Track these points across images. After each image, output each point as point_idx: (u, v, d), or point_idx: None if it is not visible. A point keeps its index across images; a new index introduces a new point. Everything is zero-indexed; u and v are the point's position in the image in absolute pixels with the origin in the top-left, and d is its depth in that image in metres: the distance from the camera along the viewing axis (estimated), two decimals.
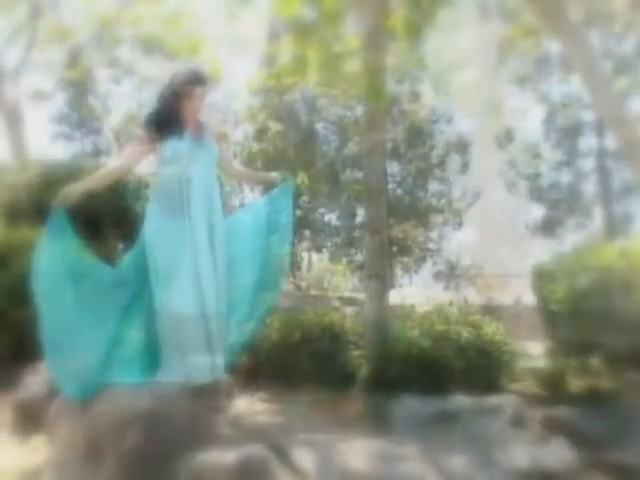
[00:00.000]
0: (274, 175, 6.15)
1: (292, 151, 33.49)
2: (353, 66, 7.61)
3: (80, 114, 40.27)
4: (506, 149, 39.17)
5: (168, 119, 5.14)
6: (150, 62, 19.10)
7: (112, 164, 5.61)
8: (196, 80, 5.26)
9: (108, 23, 17.71)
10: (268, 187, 5.79)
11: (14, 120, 18.02)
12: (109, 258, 11.16)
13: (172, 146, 5.10)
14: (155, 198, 5.29)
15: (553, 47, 20.20)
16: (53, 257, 5.25)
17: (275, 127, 28.66)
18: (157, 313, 5.13)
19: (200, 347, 5.06)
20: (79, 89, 36.19)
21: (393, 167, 39.81)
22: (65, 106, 40.18)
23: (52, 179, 10.57)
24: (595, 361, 6.51)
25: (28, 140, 18.36)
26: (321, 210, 37.12)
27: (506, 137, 39.15)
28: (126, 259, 5.70)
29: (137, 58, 19.15)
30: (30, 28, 18.26)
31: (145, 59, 18.92)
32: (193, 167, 5.12)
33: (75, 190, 5.30)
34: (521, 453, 4.90)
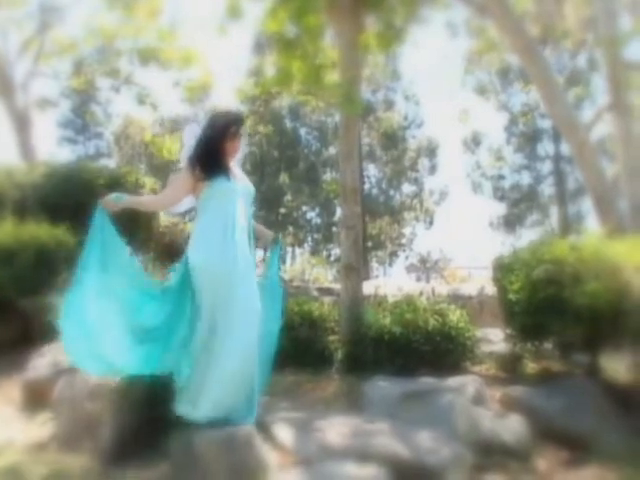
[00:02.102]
0: (268, 233, 5.65)
1: (277, 154, 33.49)
2: (332, 77, 7.63)
3: (84, 120, 40.31)
4: (473, 152, 39.38)
5: (215, 160, 4.88)
6: (147, 72, 19.08)
7: (157, 196, 5.43)
8: (238, 121, 5.08)
9: (109, 37, 17.71)
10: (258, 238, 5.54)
11: (23, 125, 18.00)
12: None
13: (221, 186, 4.83)
14: (202, 234, 4.88)
15: (513, 60, 20.19)
16: (93, 248, 4.89)
17: (262, 132, 28.61)
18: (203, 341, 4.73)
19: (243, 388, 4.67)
20: (83, 97, 36.19)
21: (369, 169, 39.88)
22: (70, 112, 40.24)
23: (57, 179, 10.56)
24: (548, 346, 6.56)
25: (36, 144, 18.33)
26: (303, 208, 37.16)
27: (473, 141, 39.34)
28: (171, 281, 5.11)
29: (135, 68, 19.12)
30: (38, 41, 18.27)
31: (142, 69, 18.89)
32: (238, 207, 4.87)
33: (118, 201, 4.95)
34: (482, 428, 4.93)
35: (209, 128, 5.01)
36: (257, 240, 5.35)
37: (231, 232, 4.73)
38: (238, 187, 4.94)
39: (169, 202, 5.11)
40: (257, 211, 34.60)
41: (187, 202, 5.10)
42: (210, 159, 4.86)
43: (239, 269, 4.68)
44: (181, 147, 5.32)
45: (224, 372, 4.53)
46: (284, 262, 35.03)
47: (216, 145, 4.91)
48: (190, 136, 5.13)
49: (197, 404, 4.55)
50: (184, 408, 4.62)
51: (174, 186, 5.00)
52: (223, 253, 4.67)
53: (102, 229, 4.90)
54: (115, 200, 4.92)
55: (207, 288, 4.72)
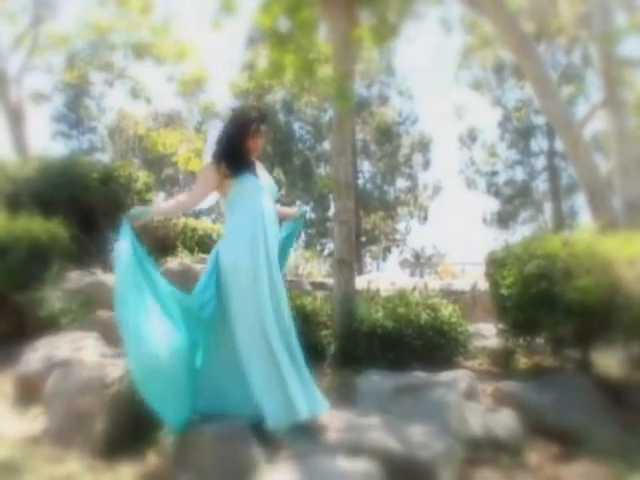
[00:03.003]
0: (293, 210, 5.80)
1: (271, 148, 33.47)
2: (325, 72, 7.62)
3: (77, 114, 40.25)
4: (468, 148, 39.44)
5: (240, 158, 4.91)
6: (140, 66, 19.08)
7: (182, 197, 5.07)
8: (261, 119, 5.08)
9: (102, 31, 17.69)
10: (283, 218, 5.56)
11: (17, 119, 18.00)
12: (103, 246, 11.22)
13: (249, 183, 4.87)
14: (232, 234, 4.87)
15: (508, 57, 20.22)
16: (127, 266, 4.58)
17: None
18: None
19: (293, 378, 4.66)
20: (76, 91, 36.14)
21: (363, 164, 39.88)
22: (63, 107, 40.18)
23: (50, 173, 10.57)
24: (540, 341, 6.57)
25: (30, 138, 18.33)
26: (297, 203, 37.14)
27: (469, 137, 39.39)
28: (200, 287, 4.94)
29: (129, 63, 19.10)
30: (32, 35, 18.24)
31: (136, 64, 18.88)
32: (265, 203, 4.88)
33: (143, 216, 4.88)
34: (474, 422, 4.94)
35: (230, 125, 5.02)
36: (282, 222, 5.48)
37: (261, 230, 4.77)
38: (263, 183, 4.99)
39: (195, 201, 5.09)
40: None
41: (211, 198, 5.13)
42: (235, 156, 4.89)
43: (265, 270, 4.70)
44: (206, 144, 5.31)
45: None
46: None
47: (238, 142, 4.93)
48: (215, 133, 5.13)
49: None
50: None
51: (200, 184, 4.96)
52: (253, 254, 4.69)
53: (131, 245, 4.67)
54: (140, 215, 4.85)
55: (237, 289, 4.70)
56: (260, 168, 5.15)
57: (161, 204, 5.60)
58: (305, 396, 4.61)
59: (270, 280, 4.74)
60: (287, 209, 5.75)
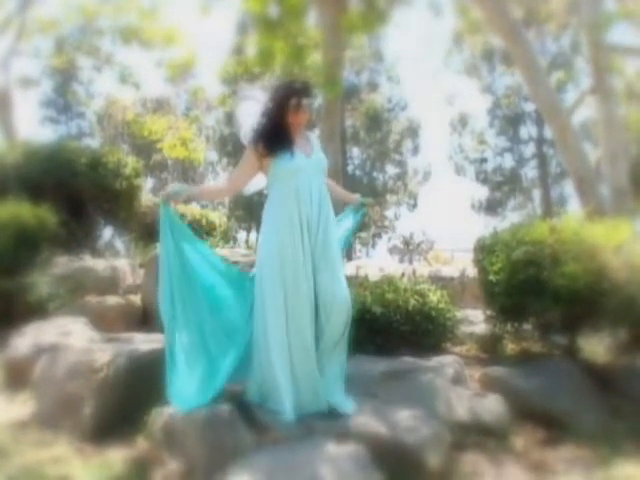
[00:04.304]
0: (356, 196, 5.66)
1: None
2: (314, 58, 7.62)
3: (65, 99, 40.06)
4: (459, 134, 39.46)
5: (277, 135, 4.60)
6: (129, 51, 19.04)
7: (222, 183, 4.94)
8: (302, 92, 4.68)
9: (90, 15, 17.60)
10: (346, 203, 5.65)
11: (4, 104, 17.91)
12: (91, 232, 11.20)
13: (285, 164, 4.57)
14: (271, 216, 4.66)
15: (497, 43, 20.21)
16: (169, 248, 4.57)
17: None
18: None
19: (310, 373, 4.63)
20: (64, 76, 35.98)
21: (353, 151, 39.85)
22: (52, 92, 40.00)
23: (38, 159, 10.53)
24: (527, 326, 6.61)
25: (18, 123, 18.25)
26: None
27: (460, 122, 39.40)
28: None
29: (116, 48, 19.03)
30: (19, 20, 18.13)
31: (124, 49, 18.82)
32: (307, 182, 4.60)
33: (180, 194, 4.60)
34: (461, 407, 4.96)
35: (269, 101, 4.69)
36: (344, 207, 5.50)
37: (295, 214, 4.54)
38: (307, 162, 4.67)
39: (236, 186, 4.85)
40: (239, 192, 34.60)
41: (258, 181, 4.89)
42: (272, 134, 4.61)
43: (297, 257, 4.53)
44: (239, 124, 4.94)
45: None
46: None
47: (277, 119, 4.64)
48: (247, 113, 4.85)
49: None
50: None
51: (239, 167, 4.77)
52: (280, 245, 4.52)
53: (172, 229, 4.58)
54: (176, 193, 4.61)
55: (272, 281, 4.54)
56: (310, 141, 4.84)
57: (202, 187, 5.34)
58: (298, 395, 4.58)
59: (306, 270, 4.55)
60: (347, 193, 5.66)
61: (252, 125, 4.74)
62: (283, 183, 4.61)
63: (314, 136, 4.95)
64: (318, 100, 9.14)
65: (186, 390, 4.40)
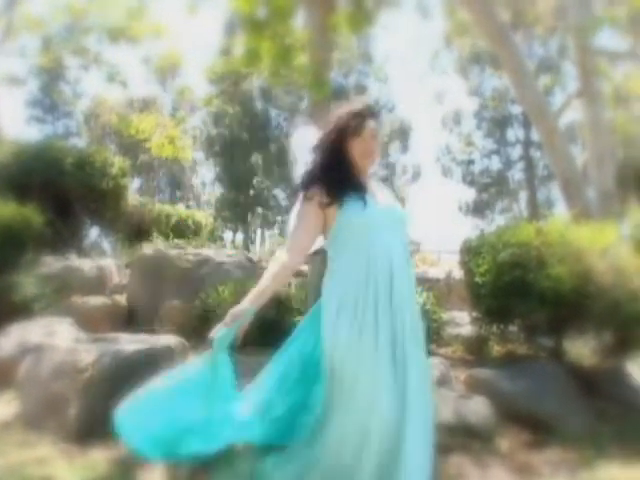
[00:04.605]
0: None
1: (247, 135, 33.37)
2: (301, 59, 7.61)
3: (52, 99, 39.92)
4: (450, 131, 39.51)
5: (342, 175, 3.37)
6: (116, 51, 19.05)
7: (279, 258, 3.29)
8: (361, 113, 3.45)
9: (77, 13, 17.55)
10: None
11: None
12: (77, 231, 11.17)
13: (356, 216, 3.28)
14: (332, 293, 3.31)
15: (485, 46, 20.29)
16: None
17: (231, 112, 28.42)
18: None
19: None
20: (51, 75, 35.87)
21: None
22: (38, 91, 39.84)
23: (24, 158, 10.50)
24: (513, 328, 6.62)
25: (3, 122, 18.17)
26: (273, 190, 37.12)
27: (454, 119, 39.45)
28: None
29: (104, 47, 18.98)
30: (6, 18, 18.07)
31: (111, 47, 18.78)
32: (385, 243, 3.30)
33: (246, 315, 3.15)
34: (446, 409, 4.96)
35: (327, 133, 3.45)
36: None
37: (379, 288, 3.23)
38: (384, 211, 3.42)
39: (300, 254, 3.37)
40: (226, 193, 34.57)
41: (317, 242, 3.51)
42: (335, 173, 3.36)
43: (385, 353, 3.17)
44: (293, 158, 3.74)
45: None
46: (252, 243, 35.01)
47: (337, 152, 3.41)
48: (303, 145, 3.64)
49: None
50: None
51: (300, 229, 3.36)
52: (361, 332, 3.16)
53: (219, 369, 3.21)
54: (246, 314, 3.16)
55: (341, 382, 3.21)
56: (377, 187, 3.62)
57: (260, 284, 3.23)
58: None
59: (397, 367, 3.19)
60: None
61: (306, 165, 3.53)
62: (352, 244, 3.31)
63: (381, 183, 3.76)
64: (306, 101, 9.13)
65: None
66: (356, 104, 3.53)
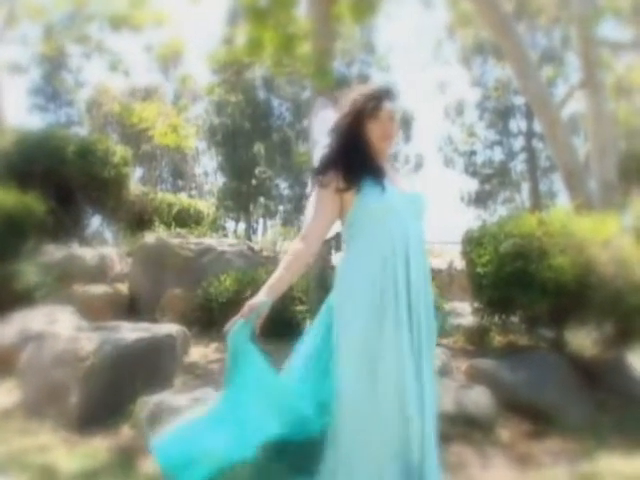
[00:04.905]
0: None
1: (249, 124, 33.32)
2: (304, 48, 7.59)
3: (54, 87, 39.84)
4: (452, 122, 39.45)
5: (359, 158, 3.21)
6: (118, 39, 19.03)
7: (297, 243, 3.16)
8: (379, 94, 3.29)
9: (79, 2, 17.49)
10: None
11: None
12: (79, 220, 11.16)
13: (374, 201, 3.10)
14: (347, 279, 3.15)
15: (488, 36, 20.22)
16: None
17: (233, 101, 28.36)
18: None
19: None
20: (53, 64, 35.80)
21: None
22: (41, 80, 39.77)
23: (26, 146, 10.49)
24: (515, 319, 6.62)
25: (6, 110, 18.12)
26: (275, 180, 37.10)
27: (456, 109, 39.36)
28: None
29: (106, 35, 18.90)
30: (7, 5, 18.03)
31: (113, 36, 18.70)
32: (403, 230, 3.12)
33: (262, 307, 3.02)
34: (447, 399, 4.97)
35: (343, 116, 3.28)
36: None
37: (398, 274, 3.07)
38: (402, 199, 3.19)
39: (316, 239, 3.20)
40: (228, 183, 34.56)
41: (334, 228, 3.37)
42: (352, 157, 3.21)
43: (401, 341, 2.99)
44: (312, 141, 3.68)
45: None
46: (254, 232, 35.00)
47: (354, 135, 3.25)
48: (323, 128, 3.46)
49: None
50: None
51: (316, 214, 3.19)
52: (377, 321, 3.00)
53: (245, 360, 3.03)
54: (260, 310, 3.03)
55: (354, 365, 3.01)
56: (394, 171, 3.45)
57: (275, 275, 3.13)
58: None
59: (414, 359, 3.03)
60: None
61: (322, 150, 3.37)
62: (369, 230, 3.14)
63: (398, 167, 3.44)
64: (309, 91, 9.11)
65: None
66: (371, 86, 3.44)
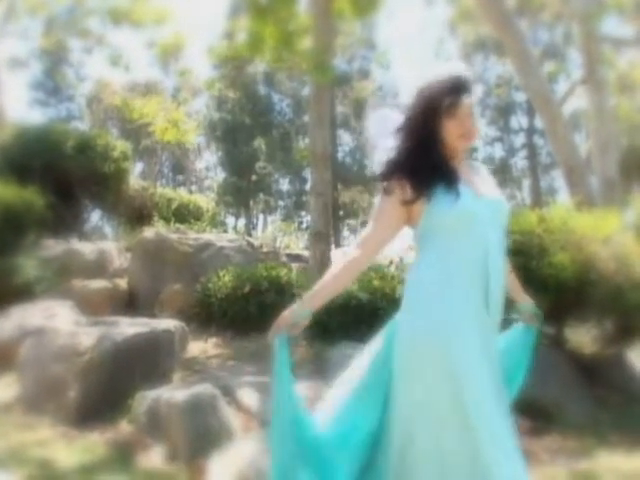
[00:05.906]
0: (527, 299, 3.28)
1: (249, 120, 33.29)
2: (304, 44, 7.59)
3: (55, 82, 39.82)
4: None
5: (430, 163, 2.72)
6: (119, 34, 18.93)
7: (354, 251, 2.71)
8: (457, 86, 2.74)
9: None
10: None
11: None
12: (79, 215, 11.16)
13: (447, 210, 2.61)
14: (417, 294, 2.70)
15: (489, 32, 20.23)
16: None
17: (233, 96, 28.31)
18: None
19: None
20: (54, 59, 35.76)
21: (343, 138, 39.77)
22: (41, 74, 39.73)
23: (26, 141, 10.48)
24: (515, 316, 6.60)
25: (6, 105, 18.08)
26: (275, 175, 37.07)
27: None
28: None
29: (106, 30, 18.87)
30: (8, 0, 17.99)
31: (114, 30, 18.67)
32: (482, 240, 2.62)
33: (302, 315, 2.62)
34: None
35: (413, 113, 2.77)
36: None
37: (477, 299, 2.64)
38: (480, 205, 2.68)
39: (373, 251, 2.80)
40: (228, 178, 34.56)
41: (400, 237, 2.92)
42: (422, 163, 2.73)
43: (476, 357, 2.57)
44: (369, 145, 3.02)
45: None
46: (254, 228, 35.02)
47: (425, 137, 2.75)
48: (382, 129, 2.93)
49: None
50: None
51: (375, 223, 2.74)
52: (452, 342, 2.53)
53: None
54: (298, 318, 2.64)
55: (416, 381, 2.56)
56: (478, 173, 2.91)
57: (320, 283, 2.73)
58: None
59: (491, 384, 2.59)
60: (516, 287, 3.25)
61: (386, 153, 2.85)
62: (446, 237, 2.68)
63: (481, 166, 3.04)
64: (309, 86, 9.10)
65: None
66: (445, 73, 2.80)
